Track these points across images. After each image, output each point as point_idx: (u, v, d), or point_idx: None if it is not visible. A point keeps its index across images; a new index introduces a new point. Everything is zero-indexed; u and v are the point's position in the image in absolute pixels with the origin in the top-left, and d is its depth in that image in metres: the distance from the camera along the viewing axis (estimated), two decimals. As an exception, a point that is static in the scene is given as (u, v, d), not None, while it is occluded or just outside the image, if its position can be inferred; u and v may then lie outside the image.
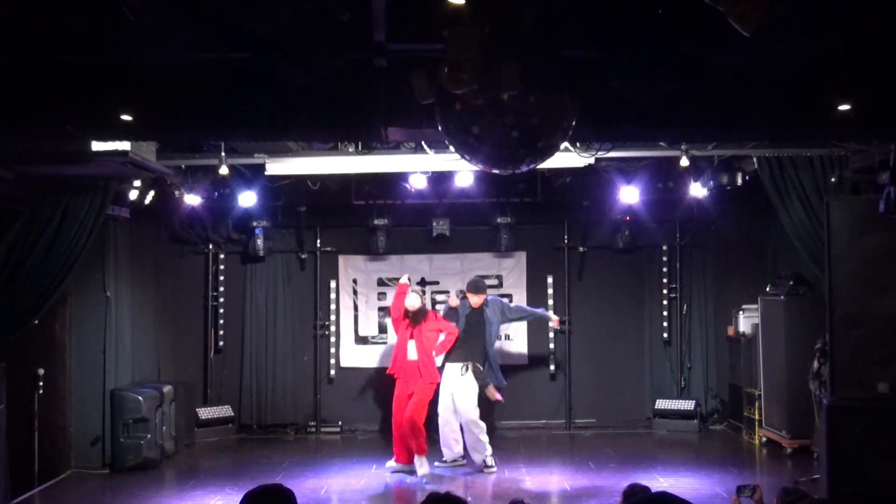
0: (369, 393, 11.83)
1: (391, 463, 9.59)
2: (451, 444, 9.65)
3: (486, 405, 9.92)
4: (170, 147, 8.51)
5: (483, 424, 9.59)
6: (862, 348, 7.60)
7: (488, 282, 12.04)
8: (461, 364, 9.64)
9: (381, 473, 9.56)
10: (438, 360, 9.72)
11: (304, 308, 12.29)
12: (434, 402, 9.62)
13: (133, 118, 5.65)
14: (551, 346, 12.21)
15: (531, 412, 12.05)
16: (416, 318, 9.59)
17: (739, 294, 11.64)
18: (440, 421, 9.64)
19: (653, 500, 3.73)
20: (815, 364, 9.03)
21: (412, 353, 9.51)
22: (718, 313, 12.18)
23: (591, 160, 8.58)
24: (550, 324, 10.41)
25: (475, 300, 9.79)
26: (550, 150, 5.21)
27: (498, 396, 9.77)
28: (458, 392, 9.57)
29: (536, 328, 12.18)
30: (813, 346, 9.12)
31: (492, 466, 9.53)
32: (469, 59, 4.59)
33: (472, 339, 9.71)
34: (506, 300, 10.52)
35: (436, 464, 9.55)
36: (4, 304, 8.05)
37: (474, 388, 9.60)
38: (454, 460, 9.65)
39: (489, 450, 9.58)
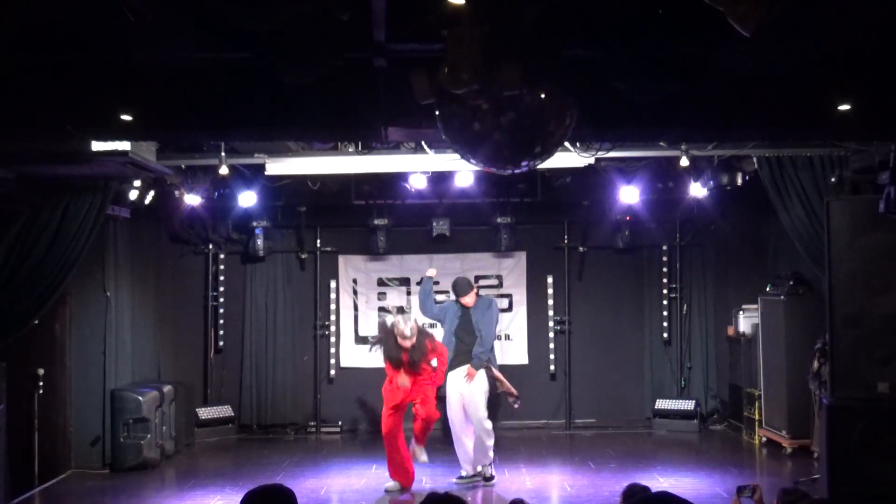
0: (369, 393, 11.80)
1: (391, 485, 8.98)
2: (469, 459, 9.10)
3: (494, 407, 9.74)
4: (170, 147, 8.51)
5: (492, 432, 9.04)
6: (862, 348, 7.60)
7: (488, 282, 12.09)
8: (466, 366, 8.95)
9: (381, 473, 9.53)
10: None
11: (304, 308, 12.30)
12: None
13: (133, 118, 5.66)
14: (551, 346, 12.22)
15: (531, 412, 12.02)
16: (412, 354, 8.63)
17: (739, 294, 11.64)
18: (456, 434, 9.02)
19: (653, 500, 3.72)
20: (815, 364, 9.03)
21: (404, 381, 8.71)
22: (718, 313, 12.19)
23: (591, 160, 8.57)
24: (468, 372, 8.97)
25: (467, 300, 9.16)
26: (550, 150, 5.21)
27: (513, 390, 9.14)
28: (467, 395, 8.90)
29: (536, 328, 12.19)
30: (813, 346, 9.12)
31: (492, 478, 9.08)
32: (469, 59, 4.59)
33: (471, 341, 9.04)
34: (496, 304, 9.61)
35: (454, 481, 9.02)
36: (4, 304, 8.05)
37: (483, 389, 8.93)
38: (472, 476, 9.06)
39: (491, 457, 9.10)
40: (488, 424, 9.00)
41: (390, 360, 8.77)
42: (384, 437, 8.97)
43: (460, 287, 9.29)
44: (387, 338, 8.85)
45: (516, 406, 9.44)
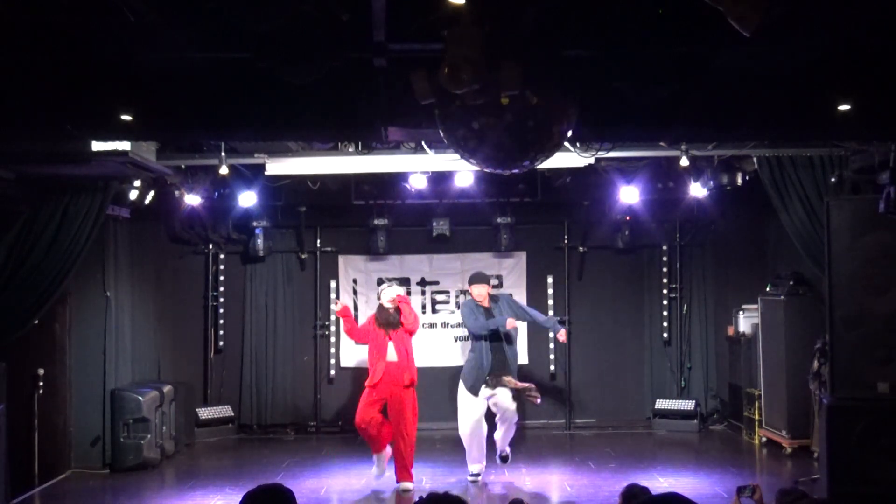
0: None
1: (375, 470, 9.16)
2: (478, 458, 9.24)
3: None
4: (170, 147, 8.52)
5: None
6: (862, 348, 7.60)
7: (488, 282, 12.07)
8: (493, 378, 9.07)
9: (381, 473, 9.56)
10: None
11: (304, 308, 12.30)
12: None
13: (133, 118, 5.66)
14: (551, 346, 12.22)
15: (531, 412, 12.02)
16: (390, 321, 9.05)
17: (739, 294, 11.64)
18: (469, 432, 9.14)
19: (661, 501, 3.71)
20: (815, 364, 9.04)
21: (391, 354, 8.97)
22: (718, 313, 12.19)
23: (591, 160, 8.57)
24: (559, 336, 9.48)
25: (478, 292, 9.22)
26: (550, 150, 5.22)
27: (524, 385, 9.25)
28: (499, 396, 9.10)
29: (536, 328, 12.18)
30: (813, 346, 9.13)
31: (508, 456, 9.45)
32: (469, 59, 4.59)
33: (498, 348, 9.10)
34: (514, 297, 10.18)
35: (469, 478, 9.19)
36: (4, 304, 8.05)
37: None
38: (479, 473, 9.22)
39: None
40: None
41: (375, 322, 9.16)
42: (358, 426, 9.01)
43: (478, 276, 9.42)
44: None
45: (538, 401, 9.46)
